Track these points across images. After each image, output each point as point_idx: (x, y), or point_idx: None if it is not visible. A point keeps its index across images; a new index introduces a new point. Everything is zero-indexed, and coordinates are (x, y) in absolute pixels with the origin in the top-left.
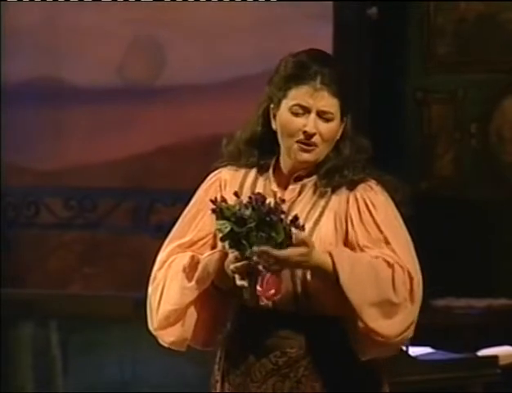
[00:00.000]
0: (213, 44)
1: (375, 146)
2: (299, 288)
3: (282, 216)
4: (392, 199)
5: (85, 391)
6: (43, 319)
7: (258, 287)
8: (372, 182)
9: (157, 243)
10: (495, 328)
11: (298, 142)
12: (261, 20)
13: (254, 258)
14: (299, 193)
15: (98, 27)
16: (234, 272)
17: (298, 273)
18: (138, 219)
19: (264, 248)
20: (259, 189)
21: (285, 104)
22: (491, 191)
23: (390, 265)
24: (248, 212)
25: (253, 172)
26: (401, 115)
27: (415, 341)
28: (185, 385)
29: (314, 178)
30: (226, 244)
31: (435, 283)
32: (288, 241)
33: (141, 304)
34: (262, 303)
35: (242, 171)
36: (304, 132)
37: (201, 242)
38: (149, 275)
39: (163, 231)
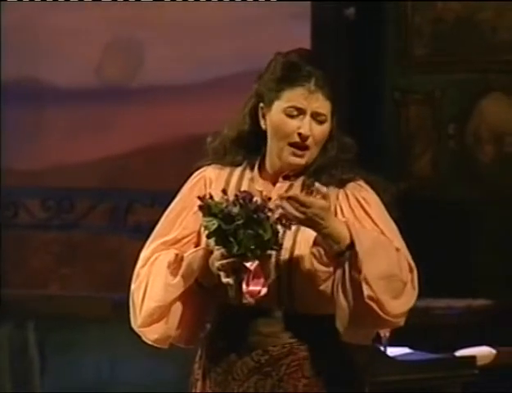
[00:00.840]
0: (191, 44)
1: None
2: (283, 287)
3: (269, 214)
4: (381, 199)
5: (63, 392)
6: (21, 320)
7: (244, 285)
8: (361, 182)
9: (135, 244)
10: (473, 329)
11: (291, 144)
12: (239, 20)
13: (281, 206)
14: (286, 192)
15: (76, 27)
16: (219, 269)
17: (283, 270)
18: (116, 220)
19: (292, 194)
20: (244, 188)
21: (278, 105)
22: (469, 191)
23: (397, 248)
24: (236, 209)
25: (239, 170)
26: (379, 116)
27: (393, 341)
28: (163, 385)
29: (302, 177)
30: (213, 241)
31: None
32: (274, 239)
33: (118, 305)
34: (245, 301)
35: (227, 169)
36: (299, 134)
37: (185, 240)
38: (126, 275)
39: (141, 231)
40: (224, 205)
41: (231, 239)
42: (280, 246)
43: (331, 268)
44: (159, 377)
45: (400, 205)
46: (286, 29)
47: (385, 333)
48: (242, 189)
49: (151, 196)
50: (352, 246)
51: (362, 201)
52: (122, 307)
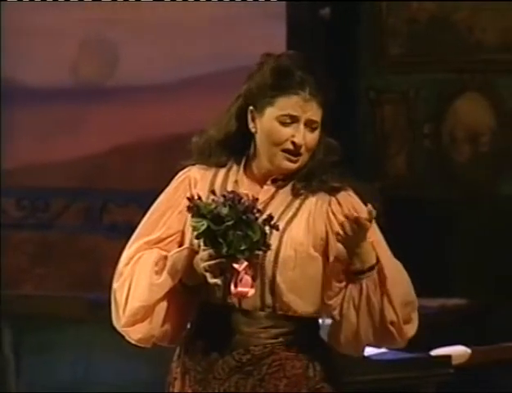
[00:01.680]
0: (167, 44)
1: None
2: (267, 287)
3: (258, 215)
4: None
5: (38, 392)
6: None
7: (232, 286)
8: (350, 191)
9: (110, 243)
10: (448, 328)
11: (284, 151)
12: (215, 20)
13: (343, 224)
14: (273, 195)
15: (50, 26)
16: (207, 270)
17: (268, 271)
18: (91, 219)
19: (358, 216)
20: (230, 189)
21: (272, 112)
22: (445, 191)
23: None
24: (225, 210)
25: (223, 171)
26: (354, 115)
27: None
28: (139, 385)
29: (291, 182)
30: (201, 242)
31: None
32: (263, 240)
33: (94, 305)
34: (231, 300)
35: (212, 170)
36: (293, 142)
37: (169, 239)
38: (102, 275)
39: (117, 231)
40: (213, 206)
41: (221, 240)
42: (268, 247)
43: (343, 284)
44: (134, 377)
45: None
46: (262, 28)
47: None
48: (228, 190)
49: (126, 195)
50: (373, 267)
51: (354, 212)
52: (97, 307)
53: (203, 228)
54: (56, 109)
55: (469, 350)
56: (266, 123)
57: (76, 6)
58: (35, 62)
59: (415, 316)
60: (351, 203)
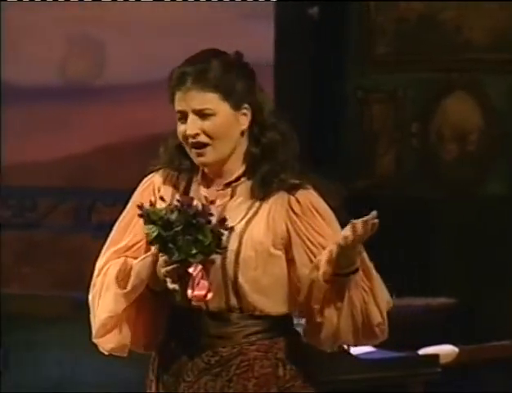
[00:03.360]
0: (153, 44)
1: (316, 145)
2: (230, 288)
3: (210, 218)
4: (329, 205)
5: (24, 391)
6: None
7: (189, 290)
8: (310, 189)
9: (98, 243)
10: (434, 327)
11: (192, 147)
12: (201, 20)
13: (354, 226)
14: (231, 196)
15: (37, 25)
16: (165, 275)
17: (229, 272)
18: (79, 219)
19: (356, 221)
20: (192, 193)
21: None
22: (432, 190)
23: None
24: (174, 215)
25: (186, 176)
26: (342, 115)
27: None
28: (123, 385)
29: (244, 180)
30: (155, 248)
31: None
32: (216, 242)
33: (80, 304)
34: (194, 303)
35: (175, 175)
36: (187, 136)
37: (136, 247)
38: (88, 274)
39: (104, 230)
40: (163, 212)
41: (171, 245)
42: (224, 250)
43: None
44: (119, 376)
45: (361, 203)
46: (249, 28)
47: None
48: (191, 194)
49: (114, 195)
50: (357, 269)
51: (313, 211)
52: (83, 306)
53: (154, 234)
54: (43, 108)
55: (456, 349)
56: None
57: (64, 6)
58: (23, 61)
59: (385, 321)
60: (310, 201)
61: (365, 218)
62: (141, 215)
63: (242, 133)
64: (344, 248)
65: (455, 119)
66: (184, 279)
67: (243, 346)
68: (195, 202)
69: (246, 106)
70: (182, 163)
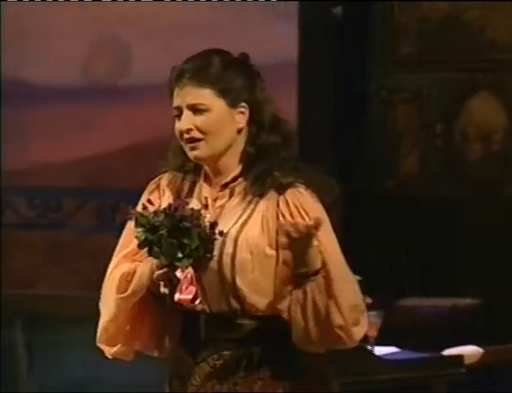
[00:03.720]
0: (179, 43)
1: (340, 145)
2: (229, 291)
3: (200, 222)
4: (322, 201)
5: (49, 391)
6: (8, 319)
7: (177, 294)
8: (301, 187)
9: None
10: (460, 328)
11: (186, 143)
12: (226, 19)
13: (286, 230)
14: (229, 197)
15: (61, 26)
16: (156, 280)
17: (227, 276)
18: (103, 219)
19: (300, 222)
20: (195, 195)
21: None
22: (456, 190)
23: None
24: (160, 219)
25: (191, 178)
26: (366, 115)
27: (380, 341)
28: (148, 385)
29: (241, 180)
30: (145, 252)
31: (401, 282)
32: (205, 247)
33: None
34: (201, 307)
35: (180, 177)
36: (181, 132)
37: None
38: None
39: None
40: (151, 216)
41: (156, 249)
42: (212, 254)
43: (290, 288)
44: (144, 376)
45: (386, 203)
46: (273, 28)
47: (373, 333)
48: (194, 196)
49: (138, 194)
50: (317, 271)
51: (301, 210)
52: None
53: (142, 237)
54: (68, 108)
55: (481, 350)
56: None
57: (89, 6)
58: (47, 62)
59: (363, 318)
60: (299, 202)
61: (293, 221)
62: (130, 218)
63: (239, 132)
64: (290, 250)
65: (480, 119)
66: (173, 284)
67: (248, 348)
68: (189, 206)
69: (244, 104)
70: (186, 164)
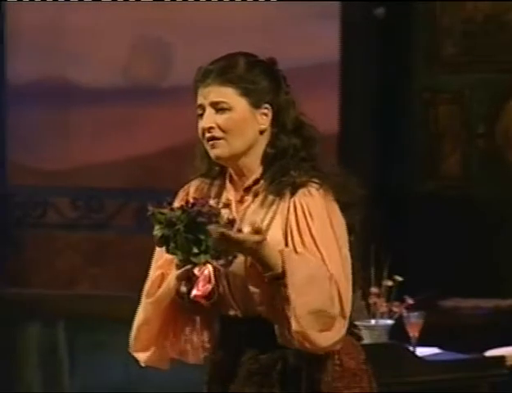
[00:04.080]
0: (220, 44)
1: (382, 145)
2: (258, 293)
3: (217, 219)
4: (338, 201)
5: (91, 391)
6: (50, 319)
7: (194, 291)
8: (313, 187)
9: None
10: (502, 329)
11: (207, 141)
12: (267, 20)
13: (212, 239)
14: (252, 201)
15: (104, 27)
16: (177, 279)
17: (254, 277)
18: (145, 220)
19: (222, 229)
20: (223, 199)
21: None
22: (498, 191)
23: (331, 278)
24: (177, 214)
25: (217, 182)
26: (408, 115)
27: (422, 342)
28: (190, 386)
29: (262, 182)
30: (164, 250)
31: (443, 283)
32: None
33: None
34: (234, 312)
35: (208, 183)
36: (203, 130)
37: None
38: None
39: None
40: (168, 212)
41: (173, 244)
42: (234, 255)
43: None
44: (186, 377)
45: (427, 204)
46: (315, 29)
47: (414, 333)
48: (222, 201)
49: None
50: (278, 276)
51: (307, 213)
52: None
53: (159, 234)
54: (110, 109)
55: None
56: None
57: (131, 7)
58: (89, 63)
59: (336, 325)
60: (306, 203)
61: (220, 229)
62: (149, 217)
63: (261, 133)
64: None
65: None
66: (192, 282)
67: (284, 352)
68: (210, 202)
69: (267, 105)
70: (212, 168)
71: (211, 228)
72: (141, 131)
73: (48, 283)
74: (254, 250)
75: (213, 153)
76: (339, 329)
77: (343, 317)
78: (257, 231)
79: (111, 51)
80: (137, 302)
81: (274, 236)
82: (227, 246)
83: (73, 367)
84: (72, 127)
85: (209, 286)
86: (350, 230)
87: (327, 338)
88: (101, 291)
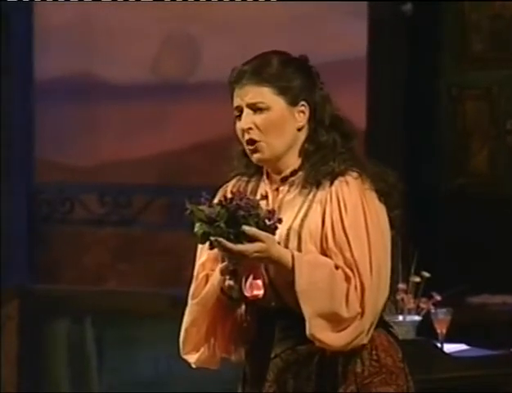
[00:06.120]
0: (247, 41)
1: (409, 142)
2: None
3: (257, 211)
4: (377, 191)
5: (120, 387)
6: (78, 315)
7: (244, 287)
8: (351, 176)
9: (192, 240)
10: None
11: (247, 144)
12: (295, 17)
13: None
14: (288, 191)
15: (132, 24)
16: (221, 273)
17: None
18: (173, 216)
19: (219, 239)
20: (258, 195)
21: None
22: None
23: (348, 278)
24: (216, 210)
25: (254, 180)
26: (437, 112)
27: (449, 338)
28: (220, 382)
29: (300, 174)
30: (208, 246)
31: (470, 280)
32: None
33: (175, 301)
34: (273, 304)
35: (245, 180)
36: (242, 131)
37: (213, 257)
38: (183, 271)
39: None
40: (207, 209)
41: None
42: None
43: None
44: (215, 373)
45: (455, 201)
46: (343, 26)
47: (442, 330)
48: (257, 197)
49: (209, 192)
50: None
51: (341, 205)
52: (179, 303)
53: (201, 231)
54: (138, 106)
55: None
56: None
57: (159, 4)
58: (118, 60)
59: (352, 325)
60: (341, 193)
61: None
62: (188, 215)
63: (299, 130)
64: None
65: None
66: (238, 276)
67: None
68: (246, 197)
69: (303, 103)
70: (250, 166)
71: (211, 238)
72: (169, 127)
73: (76, 279)
74: (262, 258)
75: (254, 157)
76: (354, 329)
77: (363, 314)
78: (255, 237)
79: (139, 48)
80: (165, 298)
81: (311, 225)
82: (231, 258)
83: (101, 363)
84: (100, 123)
85: (259, 283)
86: (391, 225)
87: (342, 338)
88: (129, 288)
